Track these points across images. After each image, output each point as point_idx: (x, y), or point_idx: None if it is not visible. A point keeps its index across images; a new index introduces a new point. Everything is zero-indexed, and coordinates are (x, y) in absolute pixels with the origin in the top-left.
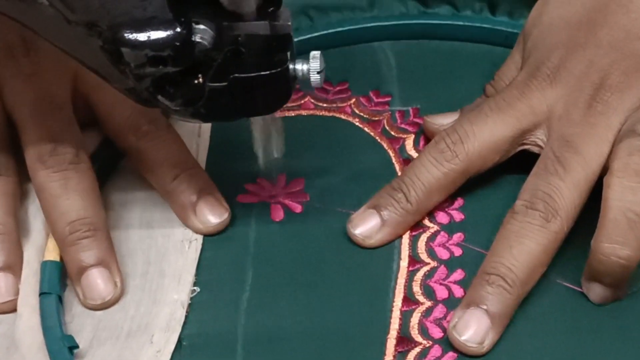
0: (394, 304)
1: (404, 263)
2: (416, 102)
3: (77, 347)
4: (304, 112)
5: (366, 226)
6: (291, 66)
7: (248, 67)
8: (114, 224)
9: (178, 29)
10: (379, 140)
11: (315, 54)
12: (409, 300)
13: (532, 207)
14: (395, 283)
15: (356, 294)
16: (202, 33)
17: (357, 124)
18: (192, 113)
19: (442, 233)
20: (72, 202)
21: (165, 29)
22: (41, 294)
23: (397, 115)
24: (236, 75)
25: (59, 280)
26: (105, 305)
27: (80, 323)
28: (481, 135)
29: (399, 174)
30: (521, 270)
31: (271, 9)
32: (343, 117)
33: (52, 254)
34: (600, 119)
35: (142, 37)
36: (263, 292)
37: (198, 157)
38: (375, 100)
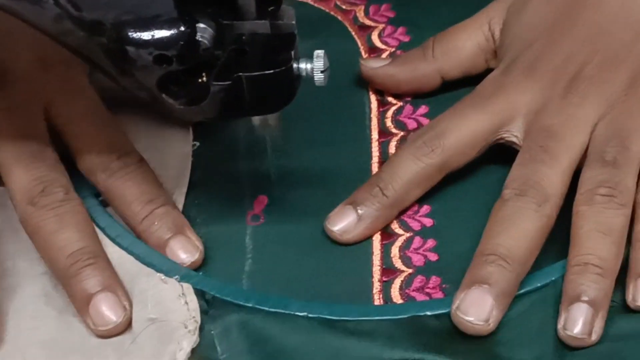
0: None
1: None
2: None
3: None
4: None
5: (343, 222)
6: (295, 65)
7: (252, 66)
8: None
9: (182, 28)
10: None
11: (319, 52)
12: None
13: (523, 193)
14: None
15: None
16: (202, 32)
17: None
18: (197, 112)
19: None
20: (69, 235)
21: (170, 28)
22: None
23: None
24: (240, 74)
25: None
26: (117, 330)
27: None
28: (458, 131)
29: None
30: (520, 250)
31: (272, 7)
32: None
33: None
34: (577, 110)
35: (146, 35)
36: None
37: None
38: None
